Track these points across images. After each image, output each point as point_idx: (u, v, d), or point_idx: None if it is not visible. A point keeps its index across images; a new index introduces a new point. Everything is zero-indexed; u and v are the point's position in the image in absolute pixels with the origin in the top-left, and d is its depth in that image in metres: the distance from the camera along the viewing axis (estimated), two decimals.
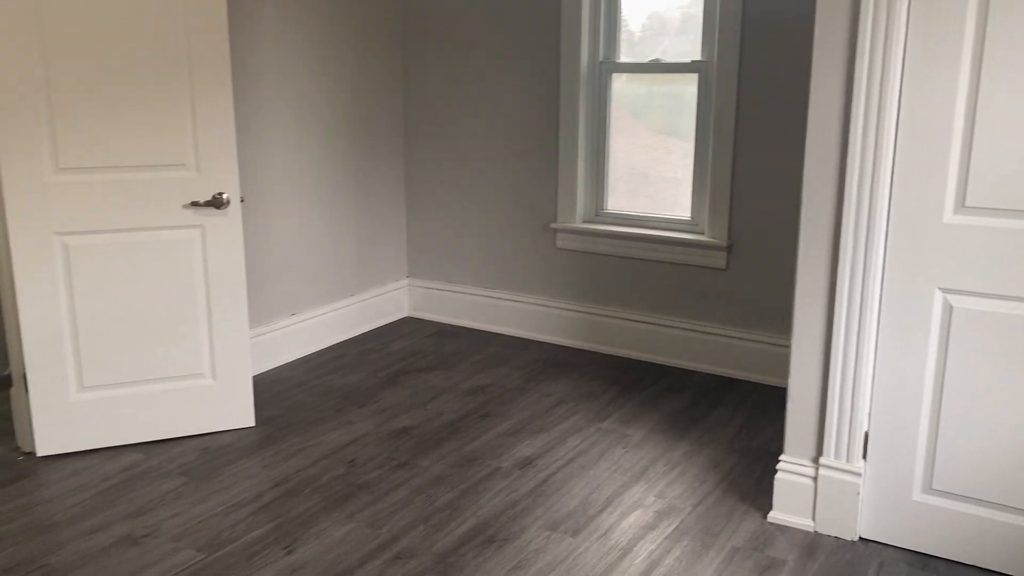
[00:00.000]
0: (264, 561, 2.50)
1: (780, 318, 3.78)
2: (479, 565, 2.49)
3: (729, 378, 3.91)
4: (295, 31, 3.91)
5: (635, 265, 4.07)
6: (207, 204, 3.19)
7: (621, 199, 4.18)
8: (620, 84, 4.06)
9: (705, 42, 3.76)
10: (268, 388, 3.76)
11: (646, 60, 3.98)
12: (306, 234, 4.13)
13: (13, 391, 3.18)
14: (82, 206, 3.03)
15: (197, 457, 3.14)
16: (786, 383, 3.73)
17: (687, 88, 3.88)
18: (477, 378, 3.89)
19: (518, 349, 4.27)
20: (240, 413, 3.39)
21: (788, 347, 3.76)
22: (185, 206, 3.18)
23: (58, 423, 3.12)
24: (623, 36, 4.02)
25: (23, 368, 3.08)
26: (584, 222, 4.19)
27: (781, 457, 2.71)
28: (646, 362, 4.10)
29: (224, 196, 3.21)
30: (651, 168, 4.11)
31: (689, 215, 3.98)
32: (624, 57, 4.03)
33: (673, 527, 2.70)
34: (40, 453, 3.12)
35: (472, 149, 4.39)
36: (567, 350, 4.26)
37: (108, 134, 3.01)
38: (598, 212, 4.20)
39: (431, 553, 2.54)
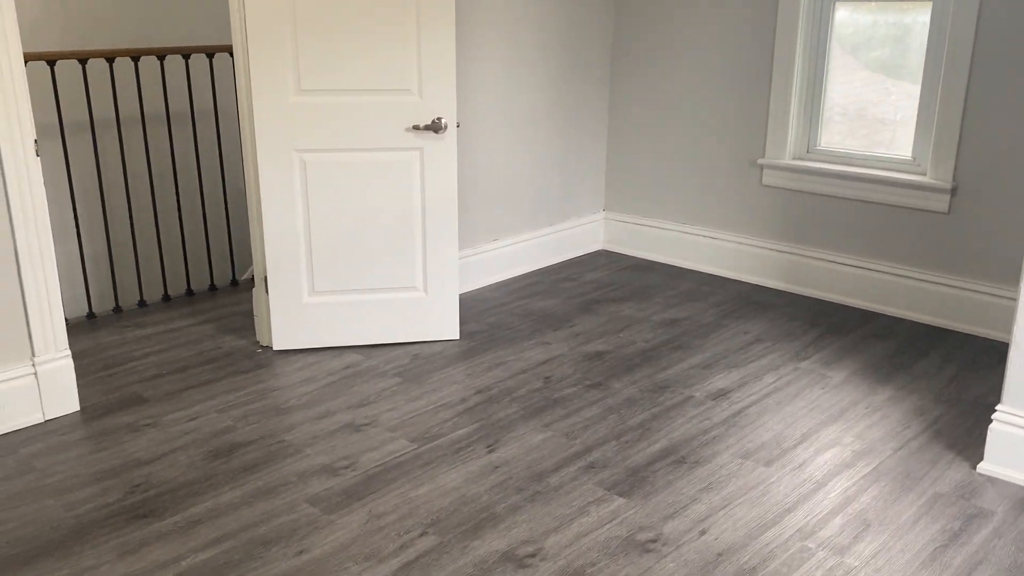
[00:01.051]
0: (469, 456, 2.70)
1: (1005, 267, 3.52)
2: (670, 482, 2.56)
3: (940, 328, 3.71)
4: None
5: (846, 206, 3.91)
6: (427, 128, 3.38)
7: (835, 136, 4.01)
8: (844, 13, 3.86)
9: None
10: (471, 306, 3.98)
11: None
12: (511, 163, 4.28)
13: (255, 291, 3.57)
14: (318, 125, 3.31)
15: (409, 361, 3.41)
16: (1004, 337, 3.49)
17: (918, 18, 3.63)
18: (671, 311, 3.92)
19: (714, 286, 4.24)
20: (447, 326, 3.62)
21: (1011, 298, 3.50)
22: (407, 129, 3.39)
23: (292, 322, 3.48)
24: None
25: (264, 271, 3.45)
26: (794, 159, 4.06)
27: (998, 407, 2.57)
28: (850, 307, 3.95)
29: (443, 120, 3.39)
30: (869, 108, 3.90)
31: (910, 154, 3.75)
32: None
33: (871, 467, 2.64)
34: (276, 347, 3.50)
35: (679, 80, 4.35)
36: (766, 290, 4.18)
37: (343, 60, 3.26)
38: (810, 149, 4.05)
39: (623, 466, 2.65)
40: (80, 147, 4.15)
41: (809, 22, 3.87)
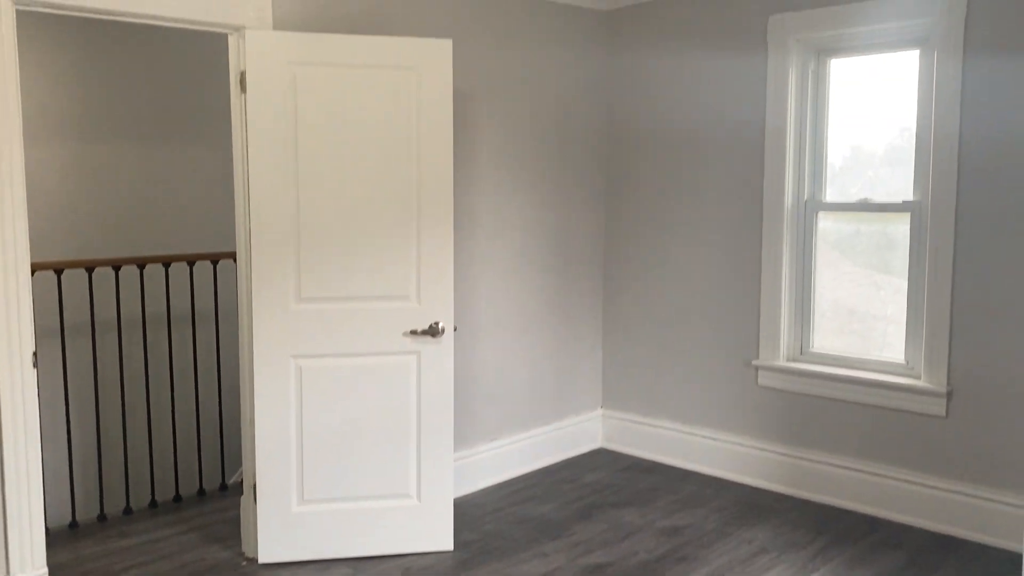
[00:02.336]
0: None
1: (1009, 472, 3.45)
2: None
3: (951, 536, 3.58)
4: (505, 173, 4.20)
5: (844, 408, 3.89)
6: (424, 332, 3.42)
7: (827, 337, 4.06)
8: (827, 222, 4.02)
9: (918, 180, 3.67)
10: (466, 512, 3.86)
11: (852, 198, 3.93)
12: (507, 362, 4.30)
13: (243, 499, 3.47)
14: (317, 332, 3.35)
15: None
16: (1017, 547, 3.37)
17: (899, 227, 3.78)
18: (673, 517, 3.81)
19: (716, 489, 4.14)
20: (440, 536, 3.49)
21: (1019, 506, 3.41)
22: (405, 334, 3.43)
23: (280, 532, 3.36)
24: (828, 171, 4.00)
25: (254, 479, 3.37)
26: (788, 361, 4.08)
27: None
28: (854, 512, 3.84)
29: (440, 325, 3.43)
30: (859, 304, 3.98)
31: (903, 358, 3.78)
32: (830, 194, 4.00)
33: None
34: (262, 560, 3.35)
35: (672, 282, 4.45)
36: (767, 493, 4.08)
37: (344, 269, 3.34)
38: (803, 351, 4.08)
39: None
40: (79, 349, 4.17)
41: (793, 229, 4.02)
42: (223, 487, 4.21)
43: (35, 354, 2.82)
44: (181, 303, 4.36)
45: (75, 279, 4.03)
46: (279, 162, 3.25)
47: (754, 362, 4.14)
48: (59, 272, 3.69)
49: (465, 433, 4.11)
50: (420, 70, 3.35)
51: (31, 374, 2.82)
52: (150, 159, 4.76)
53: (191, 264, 4.05)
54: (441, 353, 3.48)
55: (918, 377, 3.71)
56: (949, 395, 3.59)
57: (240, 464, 4.34)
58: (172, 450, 4.17)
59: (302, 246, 3.30)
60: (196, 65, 4.79)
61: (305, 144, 3.27)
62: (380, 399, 3.43)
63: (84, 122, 4.59)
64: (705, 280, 4.32)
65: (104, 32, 4.53)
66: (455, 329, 3.53)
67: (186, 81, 4.82)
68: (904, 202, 3.73)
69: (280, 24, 3.37)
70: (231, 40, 3.30)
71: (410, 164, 3.37)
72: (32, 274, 2.90)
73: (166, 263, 3.98)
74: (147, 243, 4.64)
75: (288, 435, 3.35)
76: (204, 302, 4.46)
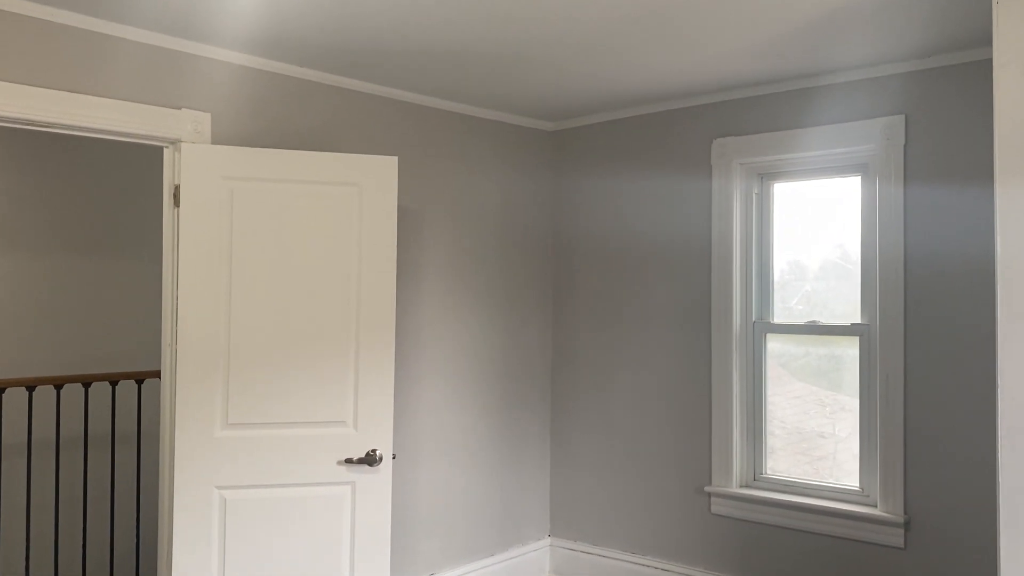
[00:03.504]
0: None
1: None
2: None
3: None
4: (448, 292, 4.10)
5: (799, 538, 3.74)
6: (360, 461, 3.22)
7: (781, 461, 3.94)
8: (775, 343, 3.97)
9: (865, 303, 3.66)
10: None
11: (799, 316, 3.90)
12: (449, 488, 4.08)
13: None
14: (244, 460, 3.12)
15: None
16: None
17: (848, 350, 3.74)
18: None
19: None
20: None
21: None
22: (339, 463, 3.22)
23: None
24: (774, 289, 3.98)
25: None
26: (741, 487, 3.94)
27: None
28: None
29: (378, 453, 3.23)
30: (811, 426, 3.89)
31: (858, 483, 3.67)
32: (777, 312, 3.97)
33: None
34: None
35: (620, 405, 4.33)
36: None
37: (276, 393, 3.15)
38: (756, 476, 3.95)
39: None
40: None
41: (743, 351, 3.96)
42: None
43: None
44: (100, 424, 4.09)
45: None
46: (210, 279, 3.09)
47: (707, 488, 3.99)
48: None
49: (402, 567, 3.84)
50: (363, 186, 3.27)
51: None
52: (87, 272, 4.55)
53: (113, 384, 3.81)
54: (378, 483, 3.26)
55: (874, 505, 3.59)
56: (907, 524, 3.47)
57: None
58: None
59: (231, 367, 3.11)
60: (141, 176, 4.67)
61: (239, 261, 3.13)
62: (311, 533, 3.18)
63: (20, 233, 4.39)
64: (654, 401, 4.21)
65: (43, 143, 4.40)
66: (393, 457, 3.33)
67: (129, 193, 4.69)
68: (852, 324, 3.70)
69: (220, 139, 3.28)
70: (166, 153, 3.19)
71: (350, 283, 3.24)
72: None
73: (86, 383, 3.73)
74: (91, 359, 4.39)
75: (210, 572, 3.07)
76: (127, 424, 4.19)
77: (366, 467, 3.24)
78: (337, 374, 3.22)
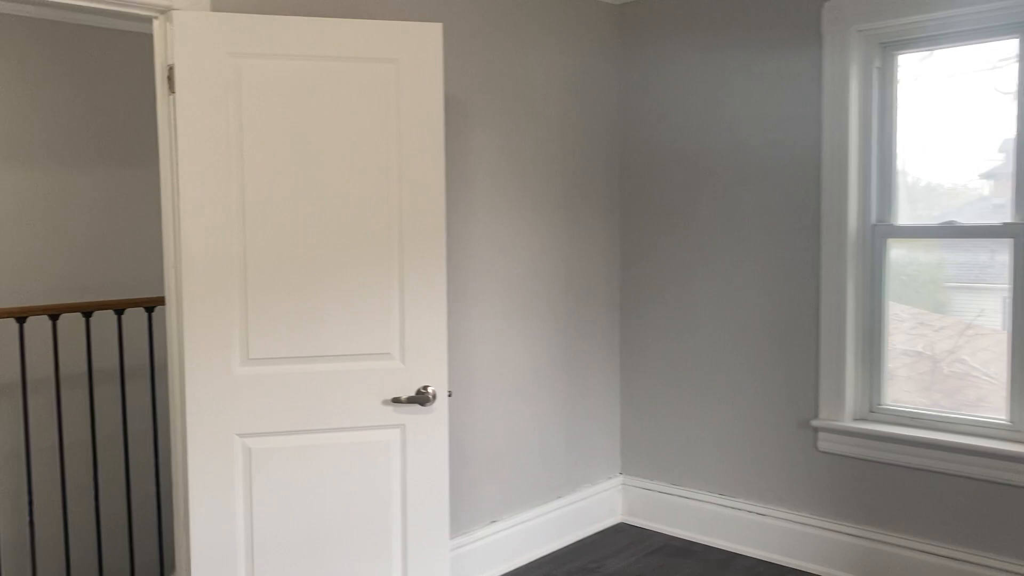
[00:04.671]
0: None
1: None
2: None
3: None
4: (503, 196, 3.47)
5: (929, 480, 3.15)
6: (410, 400, 2.66)
7: (903, 391, 3.32)
8: (900, 251, 3.30)
9: (1021, 197, 2.97)
10: None
11: (932, 220, 3.22)
12: (511, 428, 3.53)
13: None
14: (269, 403, 2.57)
15: None
16: None
17: (996, 256, 3.07)
18: None
19: None
20: None
21: None
22: (385, 402, 2.66)
23: None
24: (900, 189, 3.29)
25: None
26: (855, 420, 3.34)
27: None
28: None
29: (430, 390, 2.67)
30: (942, 348, 3.26)
31: (1006, 417, 3.06)
32: (903, 218, 3.29)
33: None
34: None
35: (703, 326, 3.71)
36: None
37: (304, 319, 2.57)
38: (873, 407, 3.35)
39: None
40: None
41: (859, 261, 3.30)
42: None
43: None
44: (108, 360, 3.57)
45: None
46: (217, 182, 2.49)
47: (813, 422, 3.40)
48: None
49: (459, 516, 3.33)
50: (402, 62, 2.61)
51: None
52: (91, 187, 3.97)
53: (119, 312, 3.27)
54: (432, 424, 2.71)
55: None
56: None
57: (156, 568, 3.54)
58: (96, 538, 3.35)
59: (249, 291, 2.53)
60: (150, 76, 4.04)
61: (252, 159, 2.51)
62: (355, 485, 2.65)
63: (15, 144, 3.80)
64: (746, 320, 3.58)
65: (40, 41, 3.77)
66: (449, 394, 2.76)
67: (138, 96, 4.06)
68: (1004, 224, 3.02)
69: (221, 6, 2.63)
70: (156, 27, 2.55)
71: (389, 183, 2.62)
72: None
73: (87, 312, 3.19)
74: (97, 286, 3.86)
75: (234, 537, 2.56)
76: (138, 359, 3.67)
77: (417, 407, 2.68)
78: (378, 295, 2.63)
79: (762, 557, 3.56)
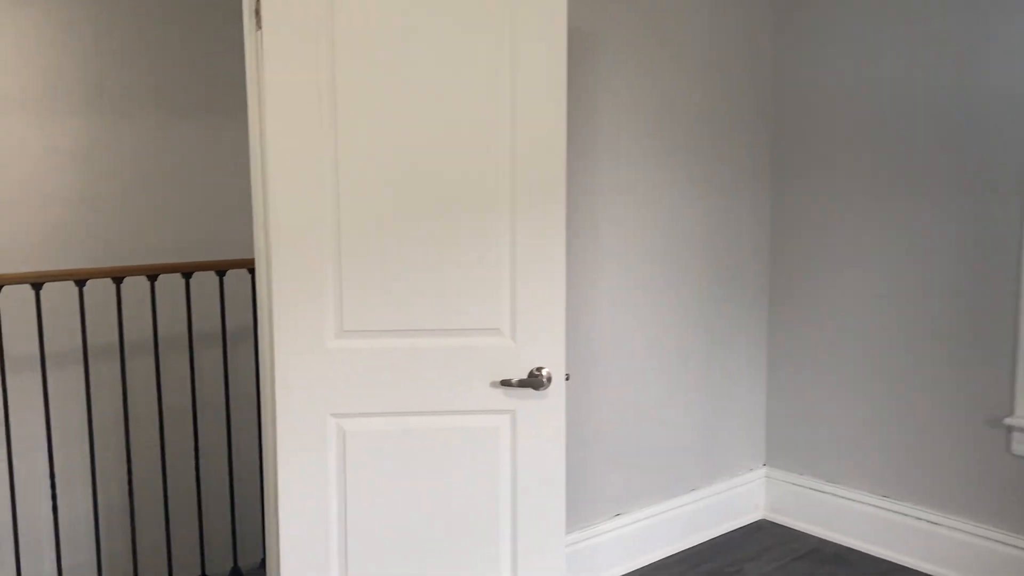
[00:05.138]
0: None
1: None
2: None
3: None
4: (634, 155, 3.03)
5: None
6: (522, 383, 2.31)
7: None
8: None
9: None
10: None
11: None
12: (638, 411, 3.14)
13: None
14: (365, 381, 2.28)
15: None
16: None
17: None
18: None
19: None
20: None
21: None
22: (493, 384, 2.32)
23: None
24: None
25: None
26: None
27: None
28: None
29: (545, 372, 2.31)
30: None
31: None
32: None
33: None
34: None
35: (871, 305, 3.17)
36: None
37: (403, 289, 2.26)
38: None
39: None
40: (64, 381, 3.29)
41: None
42: (235, 572, 3.24)
43: None
44: (203, 321, 3.42)
45: (60, 296, 3.14)
46: (309, 128, 2.19)
47: (1006, 420, 2.83)
48: (38, 288, 2.76)
49: (579, 508, 2.98)
50: None
51: None
52: (184, 138, 3.83)
53: (220, 274, 3.08)
54: (547, 411, 2.35)
55: None
56: None
57: (259, 543, 3.38)
58: (196, 505, 3.22)
59: (343, 255, 2.24)
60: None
61: (347, 102, 2.20)
62: (457, 478, 2.34)
63: (103, 93, 3.68)
64: (928, 301, 3.02)
65: None
66: (567, 378, 2.40)
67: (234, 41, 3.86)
68: None
69: None
70: None
71: (500, 129, 2.25)
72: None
73: (186, 273, 3.01)
74: (168, 247, 3.73)
75: (327, 525, 2.31)
76: (232, 320, 3.49)
77: (530, 391, 2.33)
78: (486, 263, 2.28)
79: (932, 572, 3.03)
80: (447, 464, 2.34)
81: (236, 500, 3.27)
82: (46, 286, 2.81)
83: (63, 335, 3.34)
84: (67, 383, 3.42)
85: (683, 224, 3.18)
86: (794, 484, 3.45)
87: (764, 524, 3.50)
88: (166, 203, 3.76)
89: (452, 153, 2.23)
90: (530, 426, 2.35)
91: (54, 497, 2.86)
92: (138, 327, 3.37)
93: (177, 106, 3.76)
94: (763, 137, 3.40)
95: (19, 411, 3.23)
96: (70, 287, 3.02)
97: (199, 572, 3.23)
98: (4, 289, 2.73)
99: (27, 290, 2.88)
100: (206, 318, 3.40)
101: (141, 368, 3.49)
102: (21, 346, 3.22)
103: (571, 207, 2.84)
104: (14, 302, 3.05)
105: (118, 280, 2.90)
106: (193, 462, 3.20)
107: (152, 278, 2.96)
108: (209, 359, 3.62)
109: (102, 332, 3.36)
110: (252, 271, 3.10)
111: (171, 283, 3.37)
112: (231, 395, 3.23)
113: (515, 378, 2.31)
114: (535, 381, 2.30)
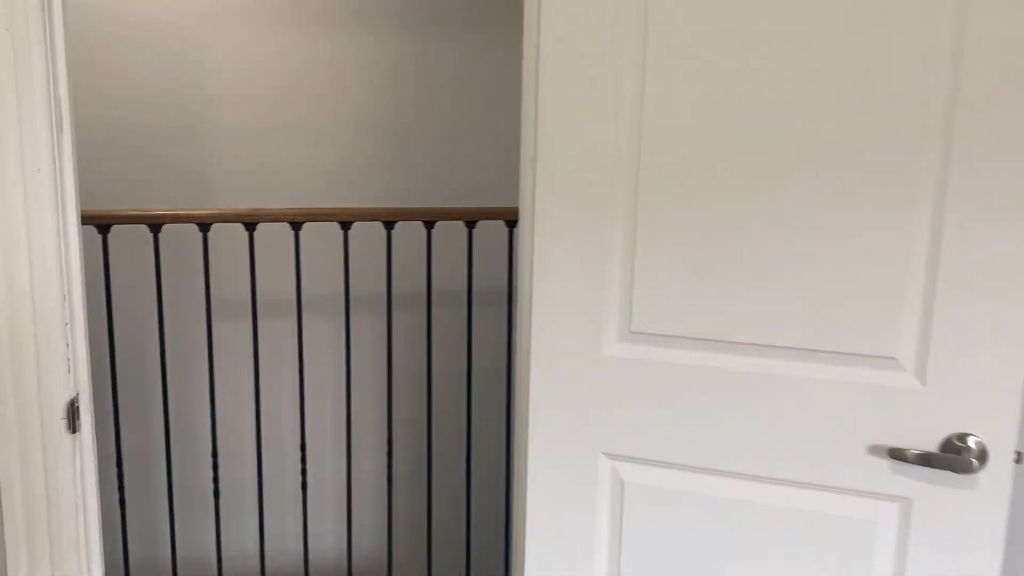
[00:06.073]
0: None
1: None
2: None
3: None
4: None
5: None
6: (926, 457, 1.32)
7: None
8: None
9: None
10: None
11: None
12: None
13: None
14: (657, 411, 1.46)
15: None
16: None
17: None
18: None
19: None
20: None
21: None
22: (871, 449, 1.36)
23: None
24: None
25: None
26: None
27: None
28: None
29: (973, 443, 1.30)
30: None
31: None
32: None
33: None
34: None
35: None
36: None
37: (727, 275, 1.38)
38: None
39: None
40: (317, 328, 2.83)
41: None
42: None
43: (73, 406, 1.41)
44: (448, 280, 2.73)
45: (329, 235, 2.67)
46: (599, 28, 1.37)
47: None
48: (251, 228, 2.30)
49: None
50: None
51: (64, 440, 1.42)
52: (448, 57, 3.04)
53: (471, 225, 2.41)
54: (970, 510, 1.34)
55: None
56: None
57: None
58: (465, 470, 2.64)
59: (640, 216, 1.42)
60: None
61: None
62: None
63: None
64: None
65: None
66: (1018, 458, 1.34)
67: None
68: None
69: None
70: None
71: (932, 35, 1.23)
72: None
73: (470, 222, 2.40)
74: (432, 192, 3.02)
75: None
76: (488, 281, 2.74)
77: (948, 473, 1.33)
78: (878, 248, 1.30)
79: None
80: (782, 562, 1.44)
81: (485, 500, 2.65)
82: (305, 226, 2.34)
83: (320, 280, 2.82)
84: (321, 332, 2.92)
85: None
86: None
87: None
88: (453, 136, 3.06)
89: (823, 69, 1.27)
90: (935, 529, 1.36)
91: (303, 459, 2.46)
92: (402, 278, 2.75)
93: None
94: None
95: (272, 366, 2.80)
96: (333, 228, 2.51)
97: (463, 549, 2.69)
98: (260, 227, 2.31)
99: (285, 228, 2.41)
100: (485, 277, 2.72)
101: (400, 324, 2.87)
102: (276, 288, 2.75)
103: None
104: (272, 239, 2.56)
105: (389, 225, 2.36)
106: (465, 437, 2.62)
107: (429, 225, 2.39)
108: (484, 320, 2.93)
109: (357, 281, 2.76)
110: (512, 224, 2.40)
111: (451, 231, 2.70)
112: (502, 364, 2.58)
113: (916, 446, 1.33)
114: (954, 459, 1.29)
